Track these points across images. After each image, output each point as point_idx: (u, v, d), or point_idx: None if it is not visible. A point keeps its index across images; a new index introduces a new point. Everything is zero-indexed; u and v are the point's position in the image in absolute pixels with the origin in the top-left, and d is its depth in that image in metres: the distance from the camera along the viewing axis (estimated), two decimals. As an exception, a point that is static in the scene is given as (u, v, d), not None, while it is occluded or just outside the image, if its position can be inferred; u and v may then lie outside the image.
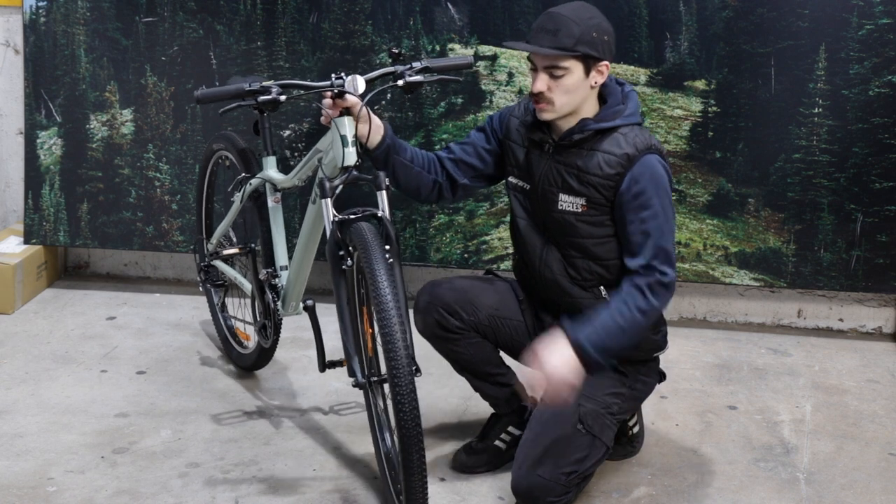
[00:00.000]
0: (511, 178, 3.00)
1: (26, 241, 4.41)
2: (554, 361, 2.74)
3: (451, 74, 3.06)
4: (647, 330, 2.88)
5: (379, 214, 2.82)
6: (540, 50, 2.73)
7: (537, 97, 2.80)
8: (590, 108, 2.85)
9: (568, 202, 2.86)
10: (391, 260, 2.72)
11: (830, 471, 3.19)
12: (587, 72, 2.78)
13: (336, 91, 2.85)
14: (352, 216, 2.83)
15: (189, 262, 4.60)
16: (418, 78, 2.91)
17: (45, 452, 3.18)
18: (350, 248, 2.80)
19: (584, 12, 2.78)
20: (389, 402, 2.69)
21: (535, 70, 2.80)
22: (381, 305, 2.61)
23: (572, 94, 2.78)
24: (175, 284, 4.61)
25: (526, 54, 2.85)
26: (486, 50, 4.07)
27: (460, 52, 4.07)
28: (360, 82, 2.86)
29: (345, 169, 2.87)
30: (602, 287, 2.90)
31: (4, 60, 4.46)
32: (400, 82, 2.91)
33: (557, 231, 2.91)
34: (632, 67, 3.99)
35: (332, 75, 2.87)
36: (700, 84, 3.98)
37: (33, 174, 4.38)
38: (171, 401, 3.54)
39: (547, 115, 2.82)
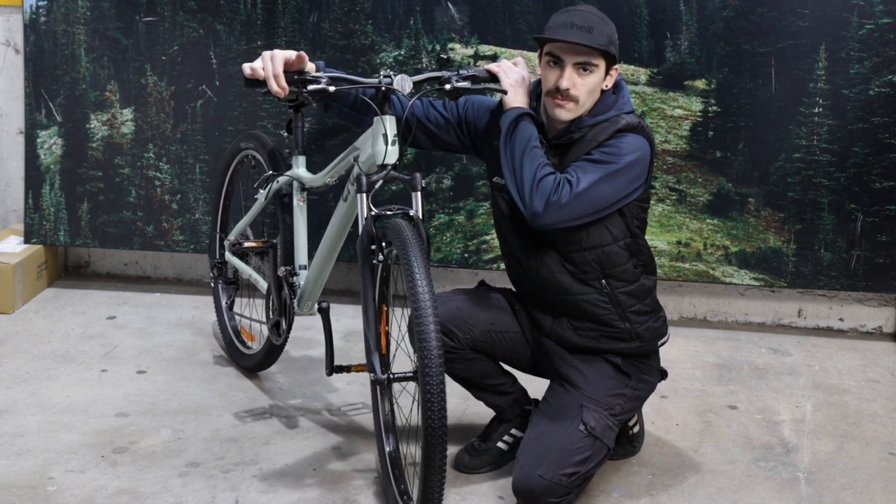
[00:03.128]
0: (497, 179, 2.98)
1: (26, 241, 4.42)
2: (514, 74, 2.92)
3: (497, 86, 3.04)
4: (521, 157, 2.82)
5: (412, 214, 2.83)
6: (590, 41, 2.72)
7: (563, 94, 2.79)
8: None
9: None
10: None
11: (830, 470, 3.19)
12: (605, 73, 2.81)
13: (384, 88, 2.87)
14: (387, 212, 2.84)
15: (189, 262, 4.60)
16: (465, 84, 2.91)
17: (45, 452, 3.18)
18: (382, 244, 2.81)
19: (604, 15, 2.81)
20: (417, 400, 2.69)
21: (558, 66, 2.79)
22: (417, 301, 2.61)
23: (593, 93, 2.81)
24: (175, 284, 4.61)
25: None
26: (487, 49, 4.07)
27: (461, 52, 4.07)
28: (407, 82, 2.87)
29: (383, 166, 2.88)
30: (604, 280, 2.90)
31: (5, 60, 4.46)
32: (447, 87, 2.91)
33: (553, 229, 2.90)
34: (632, 67, 3.99)
35: (381, 73, 2.88)
36: (700, 84, 3.98)
37: (33, 174, 4.38)
38: (171, 400, 3.54)
39: (567, 115, 2.82)
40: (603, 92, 2.86)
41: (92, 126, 4.33)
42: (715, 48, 3.95)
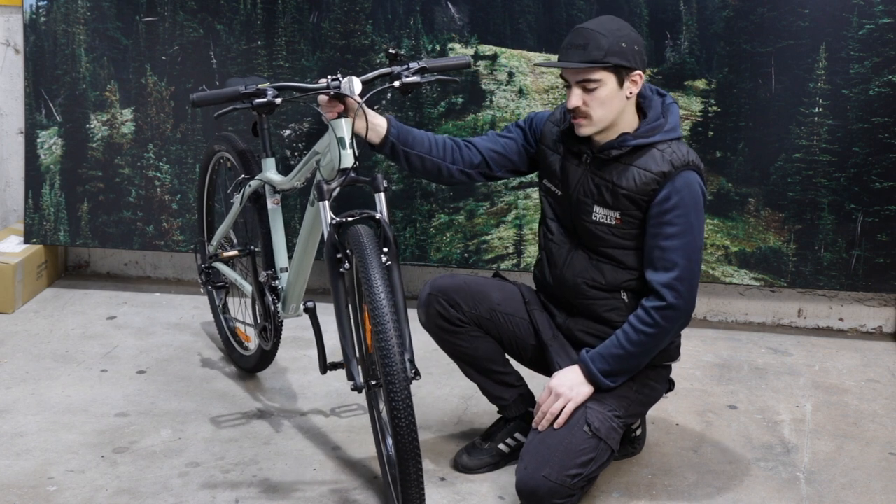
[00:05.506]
0: (545, 182, 3.02)
1: (26, 241, 4.42)
2: (560, 377, 2.90)
3: (450, 74, 3.06)
4: (662, 346, 2.90)
5: (377, 217, 2.81)
6: (569, 65, 2.75)
7: (574, 113, 2.80)
8: (629, 121, 2.85)
9: (602, 214, 2.87)
10: (389, 263, 2.72)
11: (831, 470, 3.19)
12: (620, 83, 2.78)
13: (333, 93, 2.85)
14: (349, 219, 2.82)
15: (189, 262, 4.60)
16: (415, 79, 2.91)
17: (45, 452, 3.18)
18: (348, 251, 2.79)
19: (612, 24, 2.80)
20: (385, 410, 2.69)
21: (568, 87, 2.81)
22: (376, 313, 2.60)
23: (608, 106, 2.79)
24: (175, 284, 4.61)
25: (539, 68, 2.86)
26: (487, 49, 4.07)
27: (461, 52, 4.06)
28: (356, 84, 2.85)
29: (342, 171, 2.87)
30: (623, 292, 2.92)
31: (5, 60, 4.46)
32: (397, 83, 2.90)
33: (589, 239, 2.92)
34: (632, 67, 3.99)
35: (329, 77, 2.86)
36: (700, 84, 3.98)
37: (34, 174, 4.38)
38: (172, 400, 3.54)
39: (586, 130, 2.82)
40: (640, 102, 2.86)
41: (92, 126, 4.33)
42: (715, 48, 3.95)
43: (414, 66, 2.94)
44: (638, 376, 2.95)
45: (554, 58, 3.98)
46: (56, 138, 4.35)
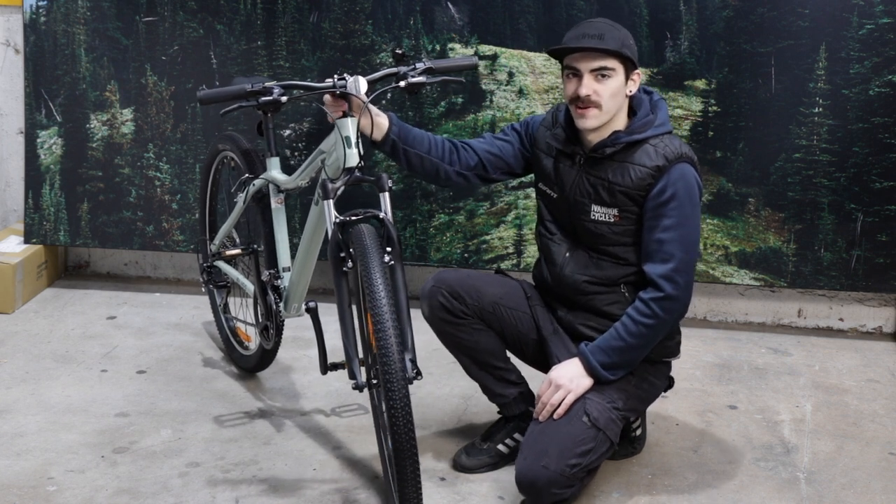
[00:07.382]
0: (540, 185, 3.05)
1: (26, 241, 4.42)
2: (560, 369, 2.90)
3: (455, 75, 3.06)
4: (660, 338, 2.91)
5: (380, 216, 2.82)
6: (601, 44, 2.75)
7: (584, 101, 2.80)
8: (621, 120, 2.87)
9: (601, 213, 2.89)
10: (392, 262, 2.73)
11: (831, 470, 3.19)
12: (626, 78, 2.82)
13: (338, 92, 2.85)
14: (353, 218, 2.82)
15: (189, 262, 4.60)
16: (421, 79, 2.91)
17: (45, 452, 3.18)
18: (351, 251, 2.80)
19: (616, 24, 2.84)
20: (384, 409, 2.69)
21: (576, 76, 2.81)
22: (376, 312, 2.61)
23: (615, 98, 2.81)
24: (175, 284, 4.61)
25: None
26: (487, 49, 4.07)
27: (460, 52, 4.07)
28: (362, 83, 2.86)
29: (347, 170, 2.87)
30: (622, 286, 2.94)
31: (5, 60, 4.46)
32: (402, 83, 2.91)
33: (589, 238, 2.94)
34: (632, 67, 3.99)
35: (335, 76, 2.87)
36: (700, 83, 3.98)
37: (34, 174, 4.38)
38: (172, 400, 3.54)
39: (592, 122, 2.83)
40: (631, 99, 2.88)
41: (92, 126, 4.33)
42: (715, 48, 3.95)
43: (420, 66, 2.94)
44: (638, 371, 2.96)
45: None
46: (56, 138, 4.35)
